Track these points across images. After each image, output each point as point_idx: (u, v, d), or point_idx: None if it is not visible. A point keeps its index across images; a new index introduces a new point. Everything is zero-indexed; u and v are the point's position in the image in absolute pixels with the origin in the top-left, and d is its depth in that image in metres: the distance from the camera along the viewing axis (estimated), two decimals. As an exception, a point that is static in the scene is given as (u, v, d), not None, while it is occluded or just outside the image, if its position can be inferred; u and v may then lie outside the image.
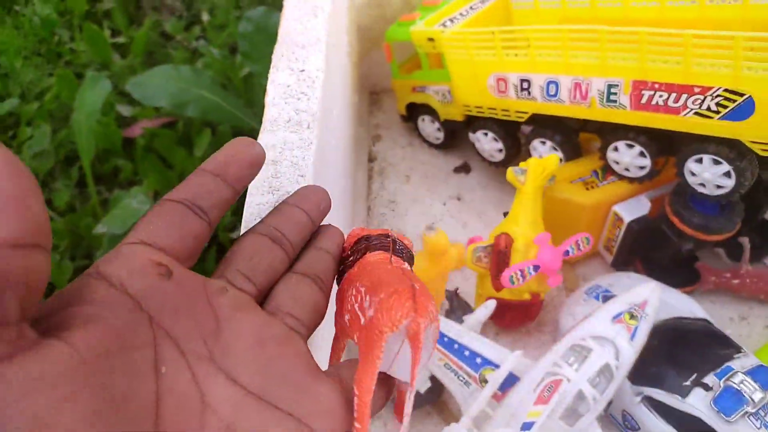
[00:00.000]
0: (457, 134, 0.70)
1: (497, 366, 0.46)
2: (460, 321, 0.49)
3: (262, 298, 0.24)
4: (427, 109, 0.68)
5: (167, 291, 0.20)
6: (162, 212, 0.22)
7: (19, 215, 0.15)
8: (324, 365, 0.24)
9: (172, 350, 0.19)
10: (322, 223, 0.28)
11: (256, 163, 0.25)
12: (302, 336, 0.23)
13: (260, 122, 0.86)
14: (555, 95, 0.52)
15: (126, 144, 0.87)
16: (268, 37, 0.73)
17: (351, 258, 0.26)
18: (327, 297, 0.26)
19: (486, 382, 0.46)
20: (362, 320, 0.22)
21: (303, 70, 0.35)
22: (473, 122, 0.63)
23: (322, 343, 0.29)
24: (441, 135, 0.70)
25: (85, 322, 0.18)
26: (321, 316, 0.25)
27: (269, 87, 0.34)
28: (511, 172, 0.50)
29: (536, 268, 0.47)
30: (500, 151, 0.62)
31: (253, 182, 0.29)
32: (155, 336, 0.19)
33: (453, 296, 0.52)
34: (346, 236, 0.28)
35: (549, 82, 0.52)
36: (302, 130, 0.32)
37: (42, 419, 0.14)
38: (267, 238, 0.25)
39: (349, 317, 0.23)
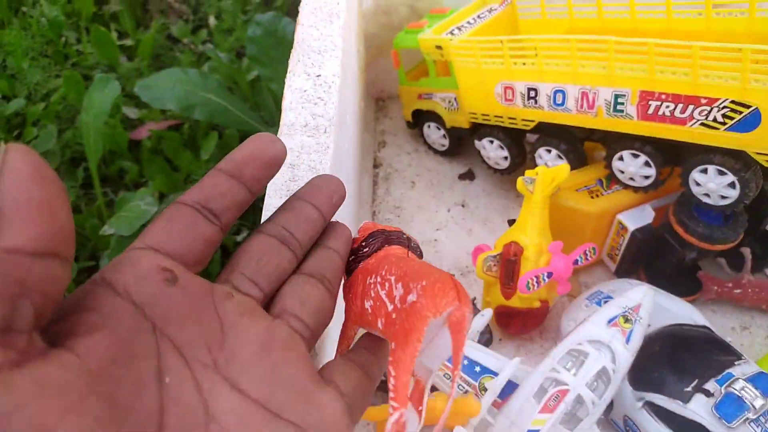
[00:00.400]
0: (462, 141, 0.71)
1: (496, 374, 0.47)
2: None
3: (269, 301, 0.24)
4: (433, 116, 0.69)
5: (172, 298, 0.20)
6: (172, 216, 0.22)
7: (42, 223, 0.15)
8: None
9: (176, 359, 0.19)
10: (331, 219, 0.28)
11: (275, 163, 0.24)
12: (305, 339, 0.23)
13: (267, 126, 0.86)
14: (562, 104, 0.53)
15: (132, 146, 0.87)
16: (277, 41, 0.74)
17: (366, 249, 0.26)
18: (334, 298, 0.25)
19: (485, 390, 0.46)
20: (390, 306, 0.22)
21: (319, 75, 0.36)
22: (479, 129, 0.64)
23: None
24: (446, 142, 0.70)
25: (90, 331, 0.18)
26: (328, 318, 0.25)
27: (286, 92, 0.35)
28: (521, 181, 0.50)
29: (549, 275, 0.48)
30: (506, 158, 0.63)
31: (271, 185, 0.30)
32: (158, 345, 0.19)
33: None
34: (356, 231, 0.28)
35: (556, 91, 0.53)
36: (319, 134, 0.32)
37: (45, 426, 0.14)
38: (275, 240, 0.24)
39: (371, 304, 0.24)
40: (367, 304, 0.24)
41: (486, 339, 0.50)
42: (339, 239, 0.27)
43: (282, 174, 0.30)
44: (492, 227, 0.64)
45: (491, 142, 0.63)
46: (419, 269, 0.22)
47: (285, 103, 0.34)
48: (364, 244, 0.27)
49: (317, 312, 0.24)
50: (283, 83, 0.77)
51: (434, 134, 0.71)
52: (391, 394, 0.20)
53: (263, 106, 0.86)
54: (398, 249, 0.26)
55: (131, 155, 0.86)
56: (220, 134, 0.84)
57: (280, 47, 0.75)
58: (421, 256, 0.28)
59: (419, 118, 0.72)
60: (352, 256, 0.27)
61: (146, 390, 0.18)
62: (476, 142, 0.64)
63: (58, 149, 0.84)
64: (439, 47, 0.61)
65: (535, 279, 0.47)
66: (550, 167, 0.52)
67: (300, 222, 0.25)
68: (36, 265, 0.15)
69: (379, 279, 0.24)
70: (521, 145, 0.63)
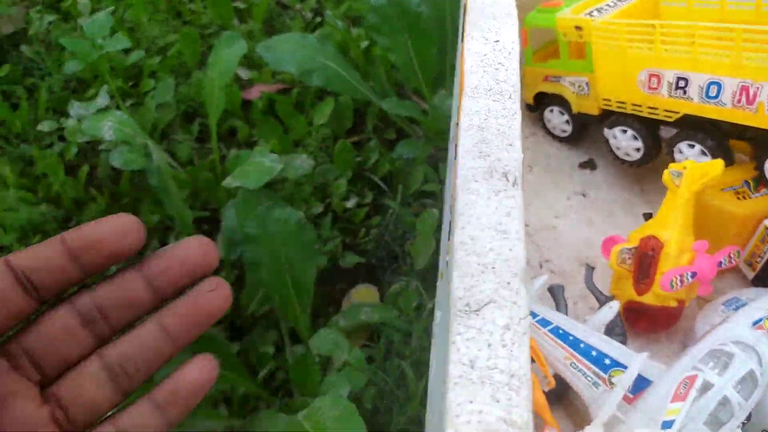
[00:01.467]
0: (586, 128, 0.68)
1: (626, 367, 0.45)
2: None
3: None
4: (558, 100, 0.67)
5: None
6: None
7: None
8: None
9: None
10: None
11: (119, 255, 0.22)
12: None
13: (378, 96, 0.85)
14: (716, 97, 0.50)
15: (242, 106, 0.88)
16: (402, 11, 0.73)
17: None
18: (121, 397, 0.24)
19: (612, 384, 0.45)
20: None
21: (498, 41, 0.35)
22: (610, 117, 0.62)
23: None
24: (569, 128, 0.68)
25: None
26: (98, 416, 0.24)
27: (465, 55, 0.34)
28: (667, 173, 0.48)
29: (694, 275, 0.46)
30: (638, 150, 0.60)
31: (464, 147, 0.29)
32: None
33: (604, 297, 0.50)
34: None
35: (710, 83, 0.50)
36: (504, 99, 0.31)
37: None
38: (78, 320, 0.23)
39: None
40: None
41: (620, 338, 0.47)
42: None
43: (472, 136, 0.29)
44: (614, 220, 0.62)
45: (624, 131, 0.60)
46: None
47: (466, 66, 0.33)
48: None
49: (91, 411, 0.23)
50: (402, 54, 0.77)
51: (557, 119, 0.69)
52: None
53: (374, 76, 0.86)
54: None
55: (243, 115, 0.87)
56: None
57: (404, 18, 0.74)
58: None
59: (541, 101, 0.70)
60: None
61: None
62: (606, 130, 0.62)
63: (174, 102, 0.86)
64: (578, 27, 0.58)
65: (679, 278, 0.45)
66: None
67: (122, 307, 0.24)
68: None
69: None
70: (657, 136, 0.60)
